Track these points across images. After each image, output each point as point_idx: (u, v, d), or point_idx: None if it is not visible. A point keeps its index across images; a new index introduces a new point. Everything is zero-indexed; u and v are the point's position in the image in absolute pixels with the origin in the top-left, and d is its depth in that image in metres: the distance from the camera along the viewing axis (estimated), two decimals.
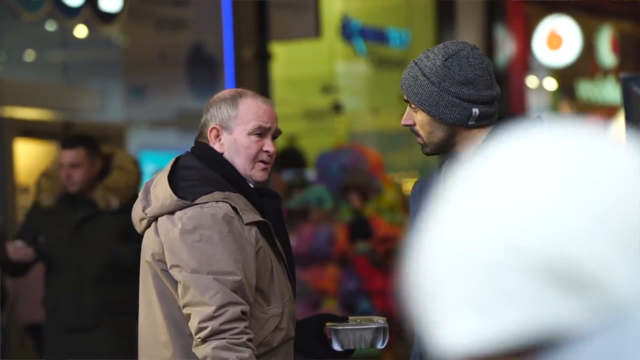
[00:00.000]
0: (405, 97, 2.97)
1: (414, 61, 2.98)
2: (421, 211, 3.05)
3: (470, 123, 2.94)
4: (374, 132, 14.03)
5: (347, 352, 3.10)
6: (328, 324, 3.08)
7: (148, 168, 9.57)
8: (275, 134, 3.11)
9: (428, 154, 3.01)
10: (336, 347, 3.06)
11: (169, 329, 2.94)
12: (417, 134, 2.98)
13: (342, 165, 9.30)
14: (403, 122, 3.01)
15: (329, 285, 8.90)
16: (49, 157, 11.04)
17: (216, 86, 10.51)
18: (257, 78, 11.02)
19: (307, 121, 13.65)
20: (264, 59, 11.10)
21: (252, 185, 3.06)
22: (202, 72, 10.81)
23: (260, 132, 3.06)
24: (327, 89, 13.32)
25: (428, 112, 2.93)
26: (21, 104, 10.03)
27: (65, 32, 10.07)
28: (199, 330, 2.84)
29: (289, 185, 11.22)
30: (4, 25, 9.69)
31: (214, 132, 3.06)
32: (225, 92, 3.12)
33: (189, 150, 3.11)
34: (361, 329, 3.04)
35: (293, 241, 9.26)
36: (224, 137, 3.06)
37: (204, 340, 2.83)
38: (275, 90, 11.53)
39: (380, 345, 3.04)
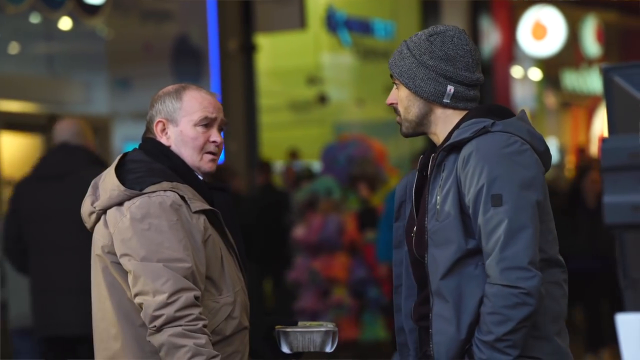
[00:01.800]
0: (390, 73, 3.02)
1: (404, 40, 3.07)
2: (406, 204, 3.06)
3: (444, 101, 2.94)
4: (359, 122, 14.04)
5: (296, 355, 3.12)
6: (277, 326, 3.08)
7: None
8: (222, 125, 3.09)
9: (405, 135, 3.03)
10: (285, 349, 3.06)
11: (119, 321, 2.94)
12: (397, 112, 3.01)
13: (350, 156, 9.40)
14: (387, 101, 3.04)
15: (339, 273, 9.05)
16: (34, 149, 11.01)
17: (201, 78, 10.53)
18: (242, 70, 11.02)
19: (292, 112, 13.65)
20: (249, 50, 11.11)
21: (200, 177, 3.06)
22: (187, 64, 10.81)
23: (206, 123, 3.05)
24: (313, 80, 13.33)
25: (406, 85, 2.95)
26: (5, 96, 10.01)
27: (50, 25, 10.05)
28: (154, 318, 2.83)
29: (297, 177, 11.29)
30: None
31: (159, 126, 3.06)
32: (169, 87, 3.09)
33: (137, 147, 3.14)
34: (310, 332, 3.05)
35: (303, 231, 9.60)
36: (170, 129, 3.05)
37: (160, 329, 2.83)
38: (260, 81, 11.53)
39: (328, 349, 3.05)
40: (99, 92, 10.80)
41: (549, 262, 2.86)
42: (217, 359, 2.86)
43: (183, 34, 10.96)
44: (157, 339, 2.85)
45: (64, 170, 5.41)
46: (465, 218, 2.84)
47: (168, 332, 2.83)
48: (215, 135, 3.07)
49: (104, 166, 5.62)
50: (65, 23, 9.97)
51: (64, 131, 5.53)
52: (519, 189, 2.81)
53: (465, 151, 2.85)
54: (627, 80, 4.03)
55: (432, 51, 2.96)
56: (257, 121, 11.30)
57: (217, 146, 3.08)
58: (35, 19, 9.95)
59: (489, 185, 2.80)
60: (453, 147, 2.89)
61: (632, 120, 3.96)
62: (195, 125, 3.05)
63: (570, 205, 9.36)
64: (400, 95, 3.00)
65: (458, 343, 2.82)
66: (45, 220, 5.39)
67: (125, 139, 10.69)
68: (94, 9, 9.71)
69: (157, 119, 3.08)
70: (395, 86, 3.03)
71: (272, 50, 12.60)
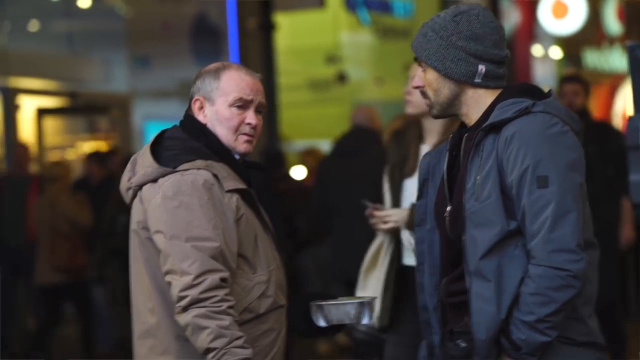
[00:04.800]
0: (415, 57, 3.00)
1: (426, 22, 3.04)
2: (429, 182, 3.06)
3: (476, 80, 2.93)
4: (378, 101, 14.00)
5: (336, 329, 3.13)
6: (312, 302, 3.09)
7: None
8: (260, 107, 3.09)
9: (436, 117, 3.02)
10: (321, 323, 3.07)
11: (155, 296, 2.98)
12: (426, 96, 2.97)
13: None
14: (413, 84, 3.02)
15: None
16: (54, 126, 11.04)
17: (220, 56, 10.50)
18: (261, 48, 10.99)
19: (311, 91, 13.63)
20: (267, 29, 11.07)
21: (237, 156, 3.05)
22: (205, 43, 10.80)
23: (241, 104, 3.05)
24: (332, 59, 13.29)
25: (435, 67, 2.92)
26: (25, 74, 10.02)
27: (69, 2, 10.06)
28: (180, 299, 2.87)
29: None
30: None
31: (197, 104, 3.07)
32: (211, 65, 3.11)
33: (177, 124, 3.16)
34: (344, 304, 3.04)
35: None
36: (207, 108, 3.06)
37: (185, 309, 2.86)
38: (279, 60, 11.50)
39: (365, 321, 3.05)
40: (118, 70, 10.81)
41: (586, 244, 2.84)
42: (241, 340, 2.86)
43: (202, 13, 10.95)
44: (183, 319, 2.88)
45: (358, 148, 6.71)
46: (506, 199, 2.82)
47: (192, 312, 2.85)
48: (251, 117, 3.07)
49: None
50: (84, 1, 9.98)
51: (358, 117, 6.89)
52: (564, 170, 2.79)
53: (506, 132, 2.83)
54: None
55: (460, 31, 2.93)
56: (276, 100, 11.30)
57: (253, 128, 3.07)
58: None
59: (534, 166, 2.79)
60: (493, 127, 2.86)
61: None
62: (230, 105, 3.05)
63: None
64: (428, 78, 2.98)
65: (498, 323, 2.81)
66: (345, 189, 6.69)
67: (145, 117, 10.70)
68: None
69: (196, 97, 3.08)
70: (421, 69, 3.00)
71: (291, 29, 12.57)
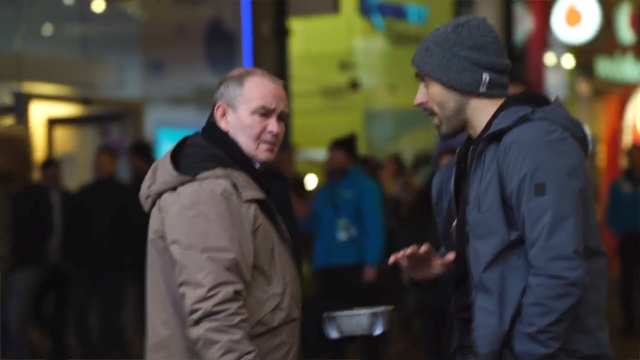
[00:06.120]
0: (416, 72, 2.98)
1: (427, 36, 3.03)
2: (443, 197, 3.05)
3: (481, 90, 2.92)
4: (390, 109, 14.00)
5: (349, 340, 3.08)
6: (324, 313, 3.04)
7: (166, 145, 9.62)
8: (282, 115, 3.06)
9: (444, 136, 2.99)
10: (333, 334, 3.03)
11: (169, 307, 2.96)
12: (432, 112, 2.95)
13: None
14: (416, 101, 2.99)
15: None
16: (65, 134, 11.06)
17: (234, 62, 10.52)
18: (275, 54, 11.01)
19: (324, 98, 13.63)
20: (282, 34, 11.09)
21: (257, 165, 3.03)
22: (220, 48, 10.81)
23: (264, 112, 3.03)
24: (345, 65, 13.29)
25: (439, 80, 2.91)
26: (39, 78, 10.05)
27: (84, 6, 10.08)
28: (193, 311, 2.85)
29: (415, 162, 11.40)
30: None
31: (220, 110, 3.06)
32: (236, 71, 3.09)
33: (200, 130, 3.14)
34: (357, 315, 3.01)
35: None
36: (230, 115, 3.05)
37: (197, 322, 2.85)
38: (292, 66, 11.52)
39: (378, 331, 2.99)
40: (132, 75, 10.83)
41: (591, 252, 2.84)
42: (252, 355, 2.85)
43: (216, 18, 10.97)
44: (195, 332, 2.87)
45: None
46: (507, 209, 2.82)
47: (205, 326, 2.84)
48: (273, 125, 3.05)
49: None
50: (99, 5, 10.00)
51: None
52: (562, 177, 2.78)
53: (506, 140, 2.83)
54: None
55: (462, 42, 2.94)
56: (290, 107, 11.30)
57: (275, 136, 3.05)
58: (69, 0, 9.98)
59: (532, 174, 2.78)
60: (494, 136, 2.86)
61: None
62: (253, 113, 3.03)
63: None
64: (431, 93, 2.97)
65: (501, 336, 2.80)
66: None
67: (158, 123, 10.71)
68: None
69: (219, 103, 3.07)
70: (423, 84, 2.99)
71: (305, 35, 12.59)
